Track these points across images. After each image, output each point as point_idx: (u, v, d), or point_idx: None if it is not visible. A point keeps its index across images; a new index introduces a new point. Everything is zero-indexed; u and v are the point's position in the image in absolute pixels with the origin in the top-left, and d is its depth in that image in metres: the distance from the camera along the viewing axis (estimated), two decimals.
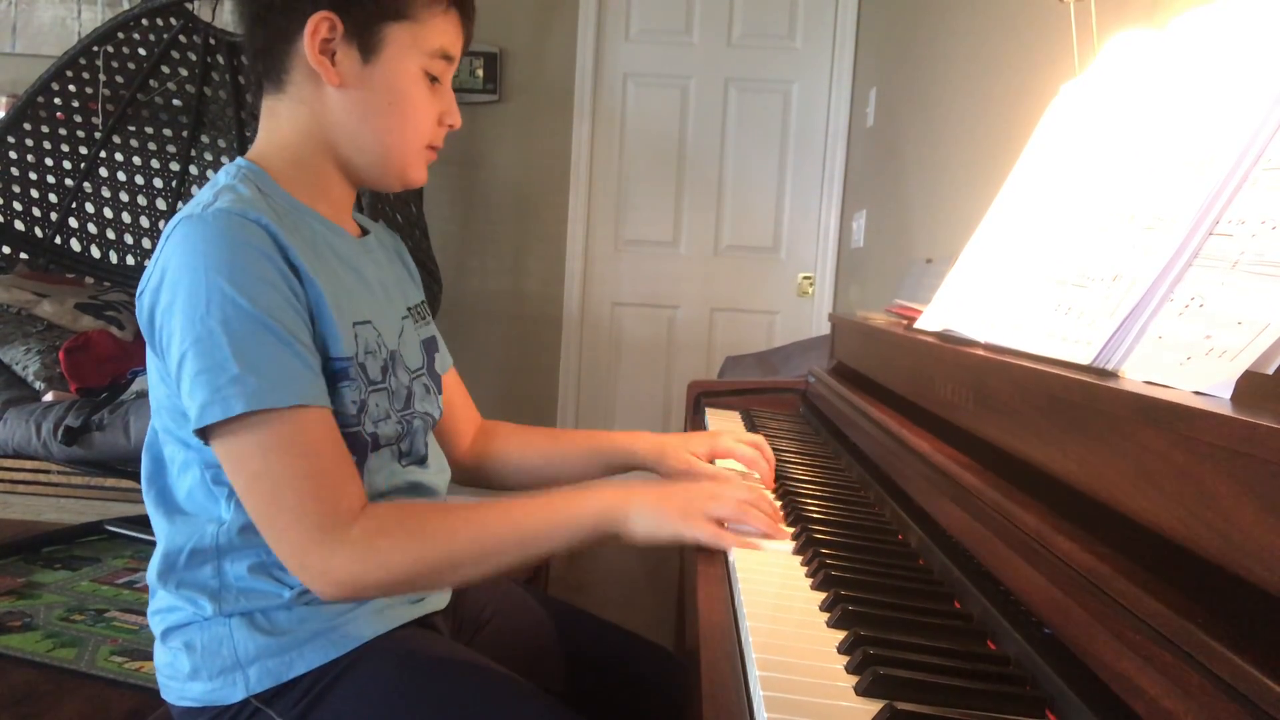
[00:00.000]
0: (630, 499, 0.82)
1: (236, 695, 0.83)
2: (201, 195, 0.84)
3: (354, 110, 0.87)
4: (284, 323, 0.78)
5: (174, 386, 0.80)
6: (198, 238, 0.77)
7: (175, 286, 0.77)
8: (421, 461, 0.97)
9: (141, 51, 2.88)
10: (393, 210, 2.49)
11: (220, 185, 0.84)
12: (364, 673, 0.84)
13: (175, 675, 0.87)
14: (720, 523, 0.83)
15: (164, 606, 0.88)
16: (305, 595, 0.85)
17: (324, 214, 0.91)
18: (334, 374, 0.84)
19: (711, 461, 1.09)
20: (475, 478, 1.14)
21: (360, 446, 0.87)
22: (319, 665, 0.84)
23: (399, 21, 0.86)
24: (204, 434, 0.78)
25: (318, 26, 0.84)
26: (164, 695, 0.90)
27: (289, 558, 0.78)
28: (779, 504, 0.97)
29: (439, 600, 0.99)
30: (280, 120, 0.89)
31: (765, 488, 1.04)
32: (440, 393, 1.04)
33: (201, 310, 0.75)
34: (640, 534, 0.82)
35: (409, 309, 1.01)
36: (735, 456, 1.08)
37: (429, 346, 1.03)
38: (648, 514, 0.82)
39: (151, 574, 0.89)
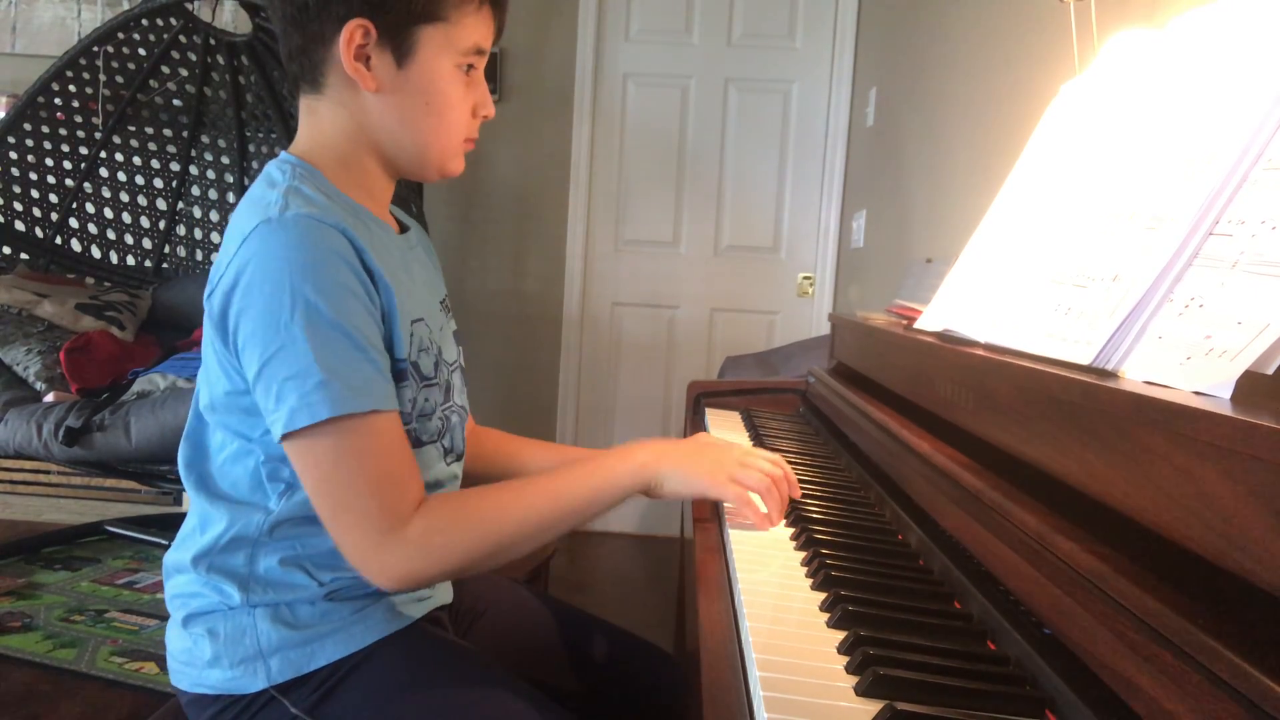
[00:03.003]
0: (663, 457, 0.87)
1: (257, 684, 0.85)
2: (265, 195, 0.83)
3: (392, 113, 0.88)
4: (362, 330, 0.80)
5: (245, 384, 0.81)
6: (279, 242, 0.78)
7: (256, 289, 0.78)
8: (460, 458, 1.00)
9: (141, 51, 2.88)
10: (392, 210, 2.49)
11: (282, 185, 0.83)
12: (375, 668, 0.86)
13: (193, 661, 0.87)
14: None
15: (187, 592, 0.89)
16: (331, 591, 0.87)
17: (373, 211, 0.91)
18: (395, 374, 0.86)
19: None
20: (469, 480, 1.14)
21: (411, 443, 0.89)
22: (337, 659, 0.86)
23: (431, 24, 0.86)
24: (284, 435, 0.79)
25: (352, 34, 0.84)
26: (176, 682, 0.90)
27: (351, 554, 0.80)
28: None
29: (444, 596, 1.01)
30: (321, 119, 0.90)
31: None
32: (467, 386, 1.05)
33: (286, 316, 0.76)
34: (670, 490, 0.87)
35: (440, 302, 1.03)
36: None
37: (458, 339, 1.05)
38: (679, 471, 0.87)
39: (180, 556, 0.90)
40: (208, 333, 0.84)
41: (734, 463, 0.89)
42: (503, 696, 0.85)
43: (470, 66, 0.90)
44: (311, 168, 0.87)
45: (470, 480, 1.13)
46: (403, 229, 1.00)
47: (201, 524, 0.89)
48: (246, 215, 0.82)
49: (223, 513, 0.87)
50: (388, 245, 0.91)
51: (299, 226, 0.78)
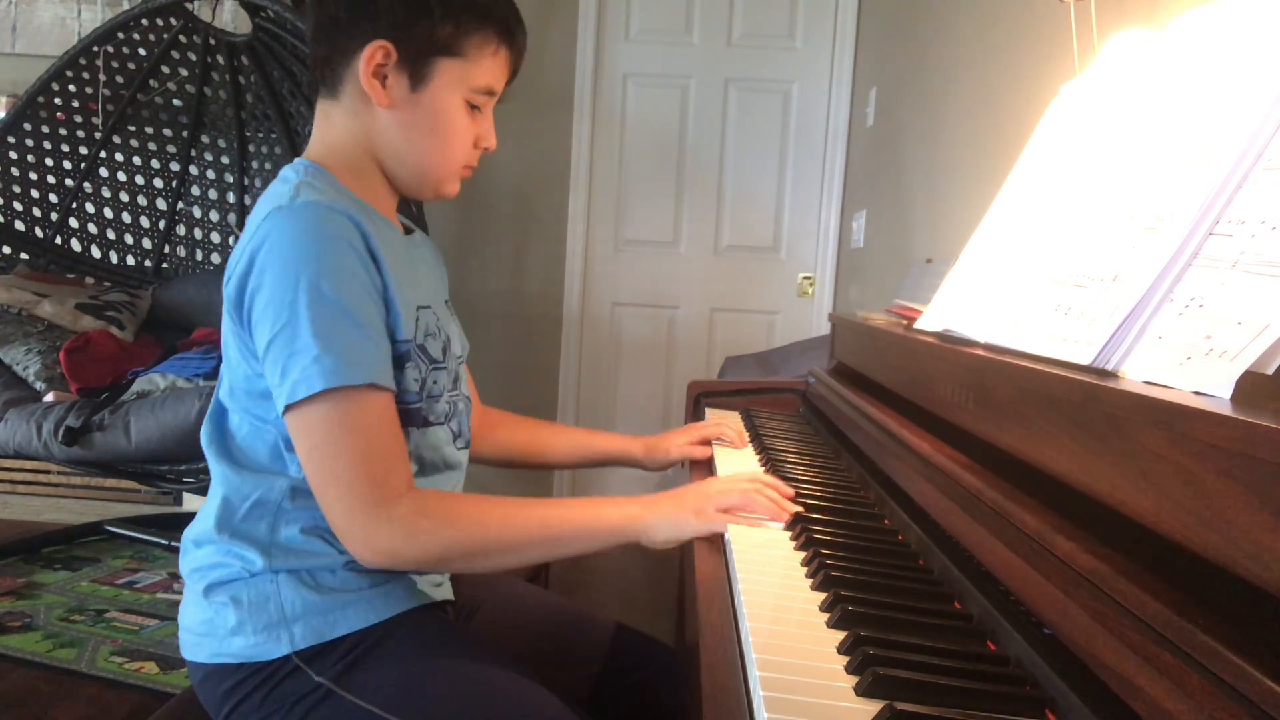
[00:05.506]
0: (650, 509, 0.89)
1: (280, 650, 0.86)
2: (279, 189, 0.88)
3: (398, 130, 0.94)
4: (362, 310, 0.84)
5: (258, 365, 0.86)
6: (289, 228, 0.83)
7: (265, 272, 0.83)
8: (468, 445, 1.04)
9: (141, 51, 2.88)
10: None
11: (295, 181, 0.88)
12: (400, 642, 0.88)
13: (214, 632, 0.88)
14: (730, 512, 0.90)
15: (208, 563, 0.91)
16: (350, 560, 0.89)
17: (379, 211, 0.96)
18: (398, 356, 0.90)
19: (708, 445, 1.26)
20: (487, 460, 1.22)
21: (418, 420, 0.94)
22: (359, 629, 0.88)
23: (450, 57, 0.92)
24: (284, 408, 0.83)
25: (373, 54, 0.90)
26: (192, 656, 0.91)
27: (336, 523, 0.83)
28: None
29: (449, 590, 1.03)
30: (333, 124, 0.96)
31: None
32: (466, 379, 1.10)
33: (290, 296, 0.81)
34: (662, 539, 0.89)
35: (445, 302, 1.08)
36: (717, 435, 1.26)
37: (462, 337, 1.09)
38: (666, 520, 0.88)
39: (202, 527, 0.92)
40: (225, 319, 0.89)
41: (715, 493, 0.91)
42: (517, 687, 0.87)
43: (475, 106, 0.96)
44: (322, 169, 0.93)
45: (487, 460, 1.20)
46: (408, 231, 1.05)
47: (224, 491, 0.91)
48: (261, 207, 0.87)
49: (245, 478, 0.90)
50: (392, 240, 0.95)
51: (308, 212, 0.84)
